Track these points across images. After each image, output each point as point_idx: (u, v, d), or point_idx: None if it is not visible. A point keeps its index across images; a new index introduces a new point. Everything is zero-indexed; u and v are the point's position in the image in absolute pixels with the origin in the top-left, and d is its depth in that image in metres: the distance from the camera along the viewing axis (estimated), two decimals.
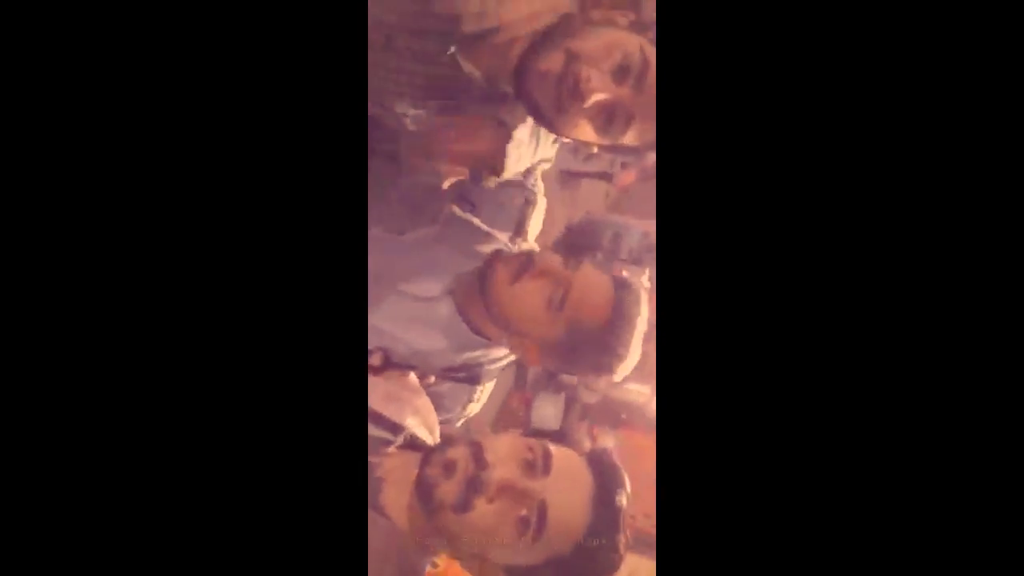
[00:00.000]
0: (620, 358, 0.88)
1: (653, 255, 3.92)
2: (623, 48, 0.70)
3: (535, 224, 1.07)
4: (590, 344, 0.87)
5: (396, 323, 0.91)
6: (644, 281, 0.78)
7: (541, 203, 1.05)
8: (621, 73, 0.69)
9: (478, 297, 0.87)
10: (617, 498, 0.67)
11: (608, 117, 0.72)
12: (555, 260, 0.86)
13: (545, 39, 0.73)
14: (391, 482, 0.71)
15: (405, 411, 0.82)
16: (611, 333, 0.85)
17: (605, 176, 3.11)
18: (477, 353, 0.95)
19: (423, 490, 0.66)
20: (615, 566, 0.67)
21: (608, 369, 0.89)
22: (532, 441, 0.68)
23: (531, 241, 1.03)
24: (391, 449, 0.78)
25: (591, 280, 0.85)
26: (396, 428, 0.79)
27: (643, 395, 2.22)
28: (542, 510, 0.64)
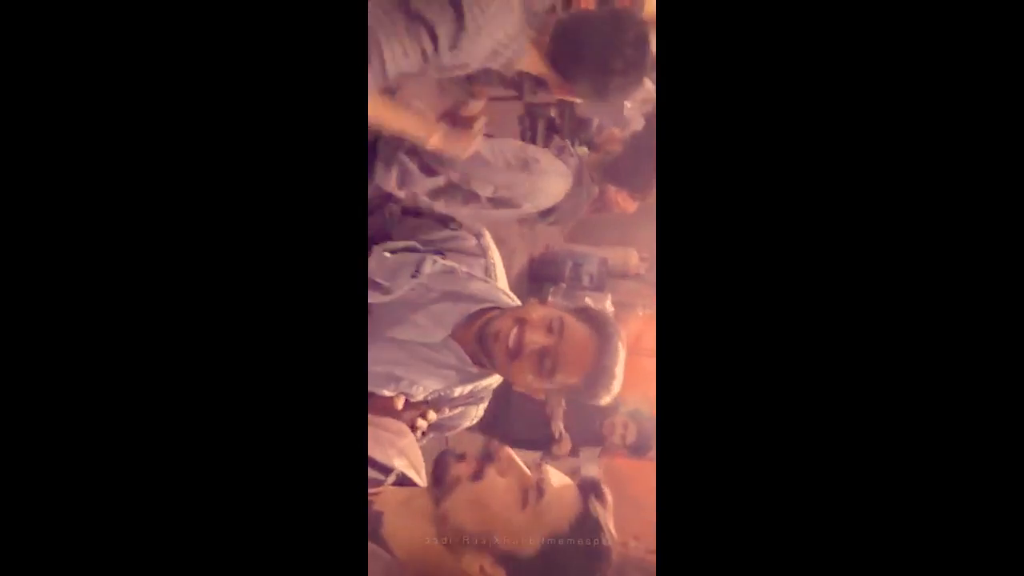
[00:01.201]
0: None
1: (612, 280, 4.02)
2: (551, 316, 1.00)
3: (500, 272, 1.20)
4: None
5: (409, 368, 1.05)
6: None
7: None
8: (549, 329, 0.99)
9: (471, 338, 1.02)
10: (592, 508, 0.74)
11: (542, 360, 0.98)
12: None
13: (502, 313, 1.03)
14: (390, 512, 0.76)
15: (391, 453, 0.88)
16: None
17: None
18: (482, 383, 1.14)
19: (440, 468, 0.74)
20: (604, 558, 0.73)
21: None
22: (531, 467, 0.75)
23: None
24: (382, 488, 0.83)
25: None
26: (386, 470, 0.86)
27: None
28: (540, 487, 0.72)
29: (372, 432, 0.86)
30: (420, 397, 1.06)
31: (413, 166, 1.38)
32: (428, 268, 1.05)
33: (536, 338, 0.97)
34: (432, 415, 1.09)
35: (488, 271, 1.13)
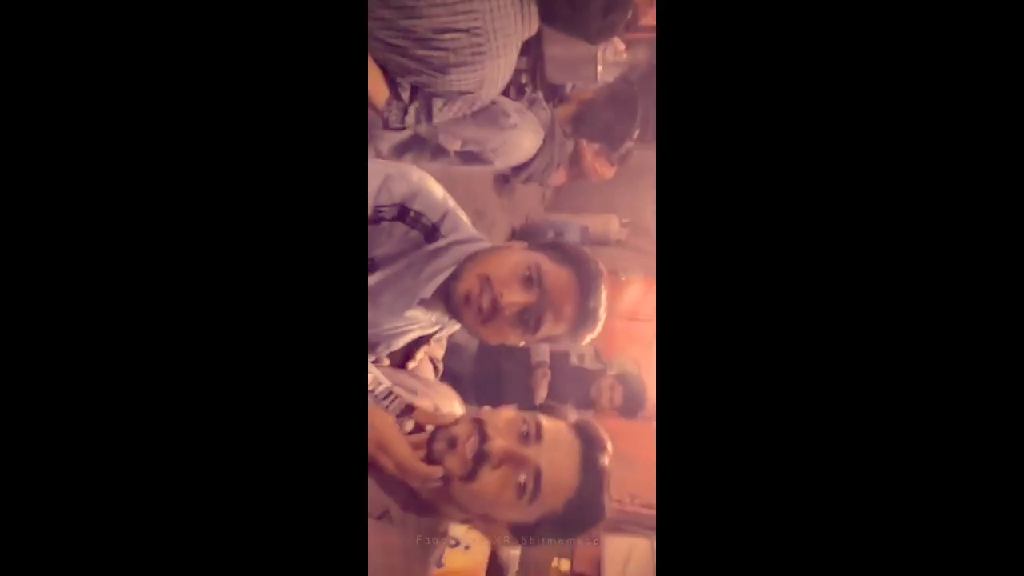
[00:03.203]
0: None
1: (594, 248, 4.02)
2: (525, 264, 0.87)
3: None
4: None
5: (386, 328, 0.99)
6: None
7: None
8: (527, 282, 0.86)
9: None
10: (600, 460, 0.74)
11: (524, 320, 0.86)
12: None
13: (460, 267, 0.89)
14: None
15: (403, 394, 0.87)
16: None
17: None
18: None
19: (432, 462, 0.73)
20: (600, 517, 0.75)
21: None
22: (526, 414, 0.75)
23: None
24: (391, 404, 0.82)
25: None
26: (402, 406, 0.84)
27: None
28: (537, 474, 0.71)
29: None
30: (399, 347, 1.04)
31: (378, 121, 1.36)
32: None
33: (515, 297, 0.85)
34: (420, 354, 1.06)
35: (432, 234, 0.96)
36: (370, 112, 1.34)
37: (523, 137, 1.43)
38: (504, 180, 3.41)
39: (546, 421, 0.75)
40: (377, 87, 1.21)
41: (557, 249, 0.91)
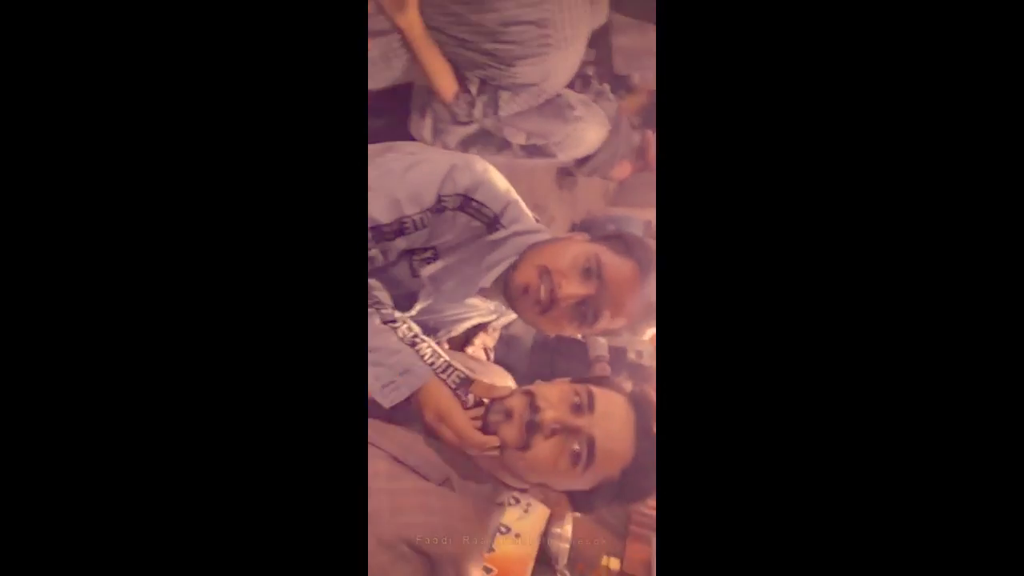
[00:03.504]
0: None
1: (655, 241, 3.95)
2: (584, 256, 0.86)
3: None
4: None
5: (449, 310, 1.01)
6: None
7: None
8: (586, 274, 0.85)
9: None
10: (655, 427, 0.73)
11: (582, 312, 0.85)
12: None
13: (520, 258, 0.89)
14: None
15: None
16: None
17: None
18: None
19: (488, 433, 0.75)
20: (654, 487, 0.74)
21: None
22: (578, 386, 0.76)
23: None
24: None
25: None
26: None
27: None
28: (591, 443, 0.72)
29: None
30: (459, 332, 1.06)
31: (446, 115, 1.38)
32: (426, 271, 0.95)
33: (573, 288, 0.84)
34: (479, 339, 1.08)
35: (494, 225, 0.96)
36: (439, 106, 1.36)
37: (588, 130, 1.43)
38: (567, 174, 3.39)
39: (599, 391, 0.76)
40: (446, 82, 1.23)
41: (619, 240, 0.89)
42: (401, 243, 0.88)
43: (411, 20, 1.10)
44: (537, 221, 1.00)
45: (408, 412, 0.82)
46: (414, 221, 0.86)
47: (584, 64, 1.31)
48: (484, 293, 0.95)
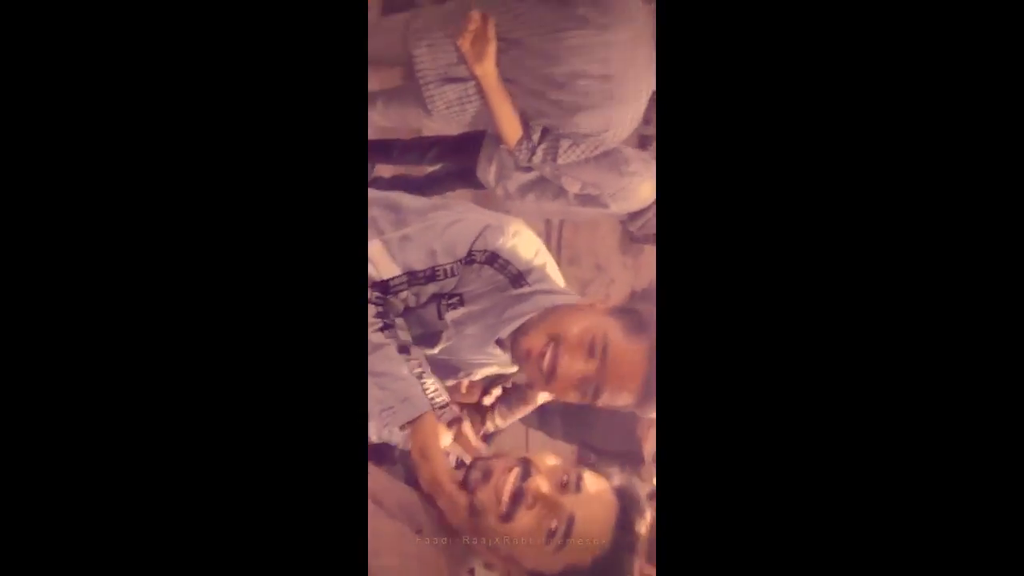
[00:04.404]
0: None
1: None
2: (592, 332, 0.87)
3: None
4: None
5: (463, 361, 1.07)
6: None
7: None
8: (590, 352, 0.86)
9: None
10: (637, 525, 0.74)
11: (583, 386, 0.88)
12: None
13: (534, 320, 0.92)
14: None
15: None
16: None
17: None
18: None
19: (466, 490, 0.75)
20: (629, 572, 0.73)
21: None
22: (569, 465, 0.77)
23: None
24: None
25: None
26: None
27: None
28: (570, 523, 0.71)
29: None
30: (479, 377, 1.11)
31: (510, 161, 1.50)
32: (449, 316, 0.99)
33: (575, 365, 0.85)
34: (497, 390, 1.12)
35: (518, 281, 0.99)
36: (504, 154, 1.49)
37: (641, 184, 1.51)
38: (633, 240, 3.45)
39: (588, 475, 0.76)
40: (513, 128, 1.35)
41: (634, 316, 0.90)
42: (432, 288, 0.96)
43: (487, 70, 1.24)
44: (594, 284, 1.05)
45: (393, 456, 0.87)
46: (445, 270, 0.94)
47: (645, 123, 1.41)
48: (503, 345, 1.00)
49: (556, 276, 1.04)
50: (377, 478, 0.79)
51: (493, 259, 0.97)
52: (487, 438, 1.19)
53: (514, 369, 1.13)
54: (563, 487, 0.74)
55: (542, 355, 0.87)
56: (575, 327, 0.87)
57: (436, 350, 1.01)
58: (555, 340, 0.87)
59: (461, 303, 0.99)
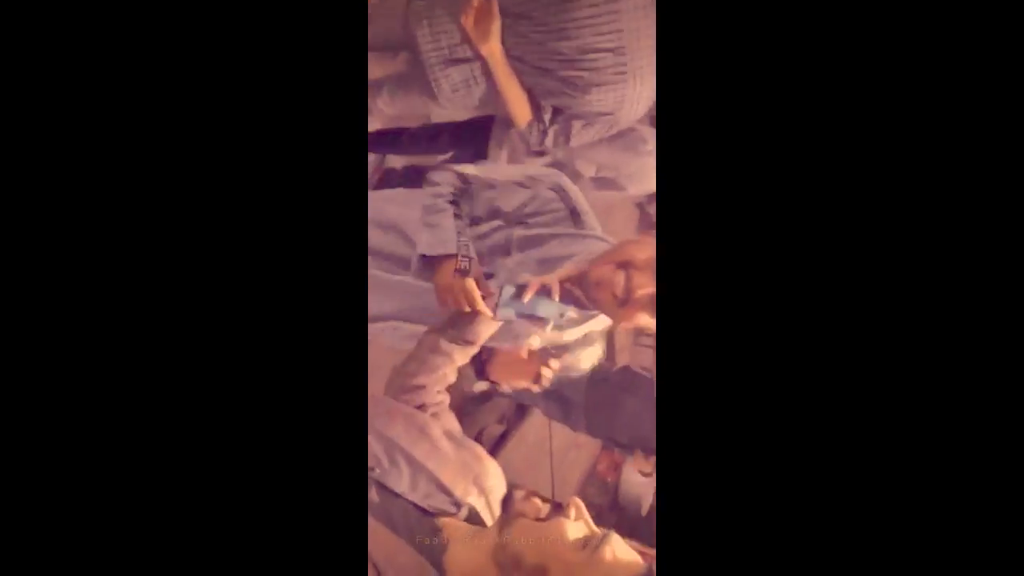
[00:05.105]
0: None
1: None
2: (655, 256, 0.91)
3: None
4: None
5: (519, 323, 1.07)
6: None
7: None
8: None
9: None
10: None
11: (652, 306, 0.90)
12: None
13: (601, 257, 0.98)
14: (455, 542, 0.76)
15: (468, 486, 0.86)
16: None
17: None
18: (587, 326, 1.12)
19: (509, 503, 0.75)
20: None
21: None
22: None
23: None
24: (452, 521, 0.82)
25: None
26: (458, 504, 0.84)
27: None
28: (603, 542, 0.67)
29: (456, 453, 0.88)
30: (537, 347, 1.08)
31: (522, 146, 1.45)
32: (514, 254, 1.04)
33: (647, 284, 0.89)
34: (555, 363, 1.10)
35: (574, 217, 1.07)
36: (515, 137, 1.44)
37: None
38: (650, 224, 3.40)
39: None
40: (522, 109, 1.30)
41: None
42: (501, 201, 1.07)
43: (493, 49, 1.19)
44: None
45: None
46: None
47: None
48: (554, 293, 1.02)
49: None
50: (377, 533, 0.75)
51: (559, 188, 1.06)
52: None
53: (568, 336, 1.13)
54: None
55: (612, 281, 0.91)
56: (641, 254, 0.92)
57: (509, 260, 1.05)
58: (624, 267, 0.91)
59: (527, 224, 1.06)
